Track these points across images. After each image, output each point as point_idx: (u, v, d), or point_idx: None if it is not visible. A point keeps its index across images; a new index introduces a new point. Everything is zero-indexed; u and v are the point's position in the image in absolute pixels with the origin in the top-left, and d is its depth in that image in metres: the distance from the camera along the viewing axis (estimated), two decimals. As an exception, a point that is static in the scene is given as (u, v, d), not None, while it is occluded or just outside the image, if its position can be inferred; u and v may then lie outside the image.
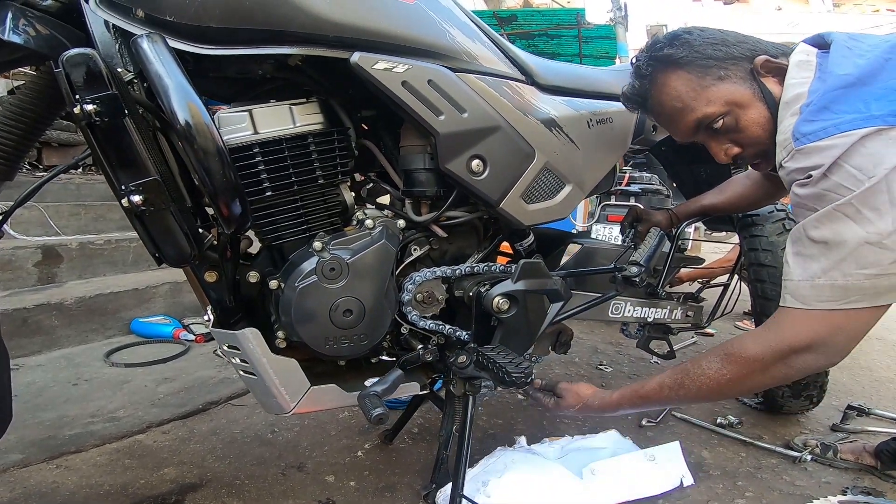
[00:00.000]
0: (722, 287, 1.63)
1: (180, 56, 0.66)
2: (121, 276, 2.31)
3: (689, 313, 1.42)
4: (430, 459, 1.21)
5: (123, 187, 0.61)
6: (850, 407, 1.50)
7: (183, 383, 1.66)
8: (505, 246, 1.12)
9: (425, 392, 0.95)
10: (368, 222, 0.82)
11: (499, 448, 1.21)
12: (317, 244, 0.77)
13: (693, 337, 2.34)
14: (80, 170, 3.30)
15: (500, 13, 5.94)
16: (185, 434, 1.35)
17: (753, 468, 1.25)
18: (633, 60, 0.94)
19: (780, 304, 0.80)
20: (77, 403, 1.49)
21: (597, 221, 2.48)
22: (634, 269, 1.03)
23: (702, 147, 1.36)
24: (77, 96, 0.58)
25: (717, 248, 3.81)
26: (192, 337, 2.05)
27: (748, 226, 1.46)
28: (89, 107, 0.57)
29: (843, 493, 1.13)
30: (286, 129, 0.76)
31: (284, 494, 1.11)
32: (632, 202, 2.52)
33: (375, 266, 0.79)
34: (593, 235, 2.39)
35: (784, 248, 1.28)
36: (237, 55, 0.69)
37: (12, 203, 0.81)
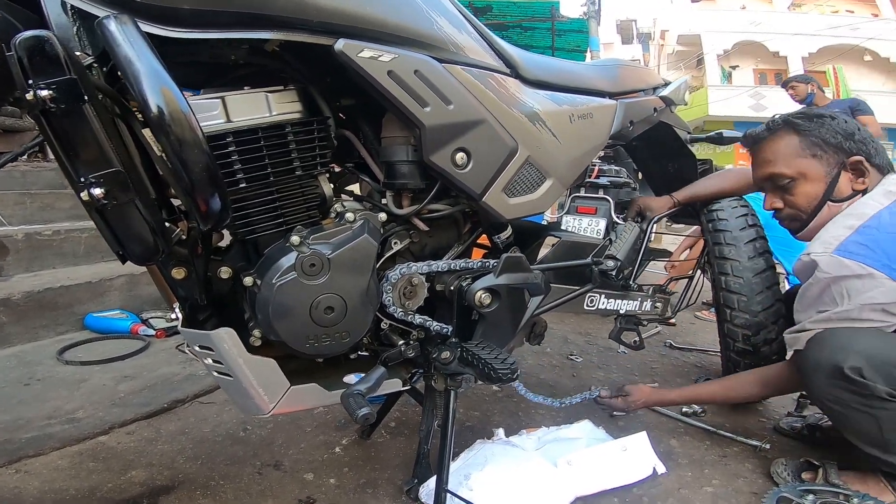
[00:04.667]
0: (686, 279, 1.68)
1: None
2: (72, 268, 2.18)
3: (658, 304, 1.47)
4: (410, 453, 1.21)
5: (83, 179, 0.56)
6: (802, 396, 1.54)
7: (145, 381, 1.58)
8: (483, 238, 1.12)
9: (407, 388, 0.93)
10: (349, 215, 0.79)
11: (478, 441, 1.21)
12: (295, 238, 0.73)
13: (657, 327, 2.41)
14: (25, 157, 3.08)
15: (476, 3, 5.89)
16: (151, 434, 1.30)
17: (719, 456, 1.28)
18: (775, 116, 1.18)
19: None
20: (31, 404, 1.40)
21: (567, 213, 2.52)
22: (611, 263, 1.05)
23: (669, 143, 1.51)
24: (30, 81, 0.52)
25: (676, 241, 3.93)
26: (153, 332, 1.96)
27: (713, 220, 1.51)
28: (44, 92, 0.52)
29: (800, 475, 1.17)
30: (262, 118, 0.72)
31: (263, 494, 1.07)
32: (601, 194, 2.57)
33: (358, 261, 0.76)
34: (563, 227, 2.42)
35: (747, 241, 1.39)
36: (211, 39, 0.64)
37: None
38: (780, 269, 2.84)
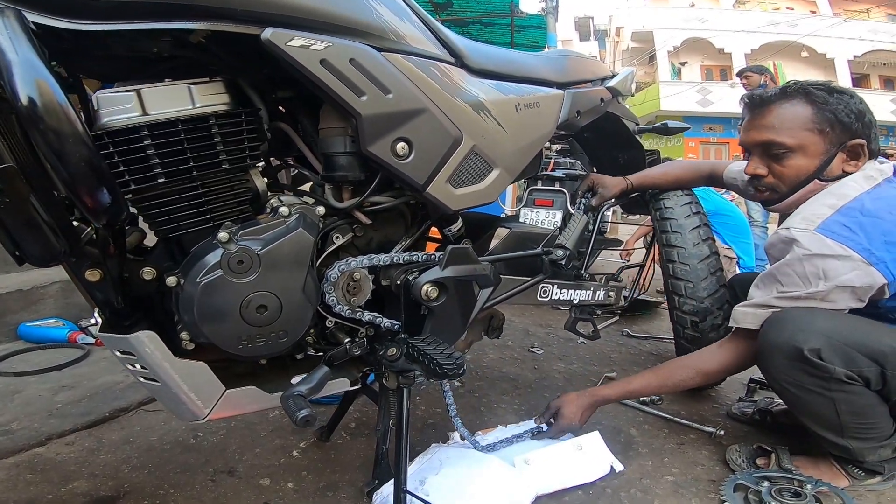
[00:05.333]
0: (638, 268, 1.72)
1: (56, 33, 0.57)
2: (2, 276, 2.04)
3: (611, 293, 1.48)
4: (371, 454, 1.18)
5: None
6: (751, 381, 1.60)
7: (85, 391, 1.50)
8: (435, 231, 1.10)
9: (357, 387, 0.91)
10: (283, 210, 0.76)
11: (433, 445, 1.19)
12: (223, 235, 0.69)
13: (615, 316, 2.45)
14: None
15: (437, -1, 5.85)
16: (92, 445, 1.24)
17: (677, 444, 1.29)
18: (793, 82, 1.10)
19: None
20: (-39, 419, 1.31)
21: (525, 206, 2.53)
22: (560, 252, 1.05)
23: (618, 134, 1.50)
24: None
25: (630, 232, 4.02)
26: (92, 340, 1.86)
27: (660, 209, 1.54)
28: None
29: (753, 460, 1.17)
30: (183, 110, 0.68)
31: (217, 502, 1.04)
32: (557, 186, 2.61)
33: (291, 257, 0.73)
34: (521, 219, 2.44)
35: (692, 228, 1.42)
36: (126, 31, 0.60)
37: None
38: (730, 254, 2.96)
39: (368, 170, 0.84)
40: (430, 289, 0.84)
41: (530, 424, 1.27)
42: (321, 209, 0.81)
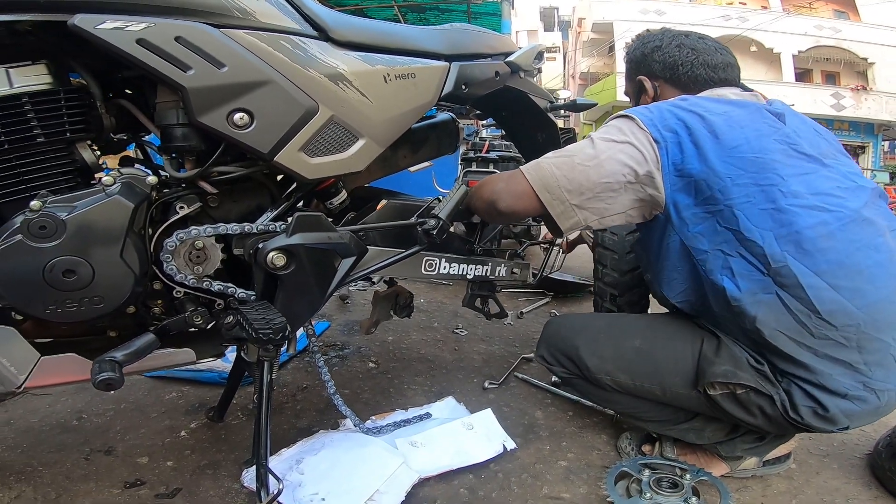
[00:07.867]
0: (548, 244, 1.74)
1: None
2: None
3: (515, 270, 1.48)
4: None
5: None
6: None
7: (-26, 379, 1.46)
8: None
9: (207, 360, 0.91)
10: (107, 179, 0.77)
11: (321, 431, 1.20)
12: (35, 203, 0.71)
13: (547, 298, 2.50)
14: None
15: (394, -15, 5.80)
16: (-31, 427, 1.22)
17: (578, 428, 1.29)
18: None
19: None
20: None
21: (460, 187, 2.55)
22: (432, 223, 1.05)
23: (532, 112, 1.57)
24: None
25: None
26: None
27: None
28: None
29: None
30: None
31: (85, 478, 1.03)
32: (490, 168, 2.63)
33: (102, 222, 0.74)
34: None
35: None
36: None
37: None
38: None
39: (210, 140, 0.84)
40: (275, 256, 0.85)
41: (424, 410, 1.28)
42: (152, 178, 0.81)
